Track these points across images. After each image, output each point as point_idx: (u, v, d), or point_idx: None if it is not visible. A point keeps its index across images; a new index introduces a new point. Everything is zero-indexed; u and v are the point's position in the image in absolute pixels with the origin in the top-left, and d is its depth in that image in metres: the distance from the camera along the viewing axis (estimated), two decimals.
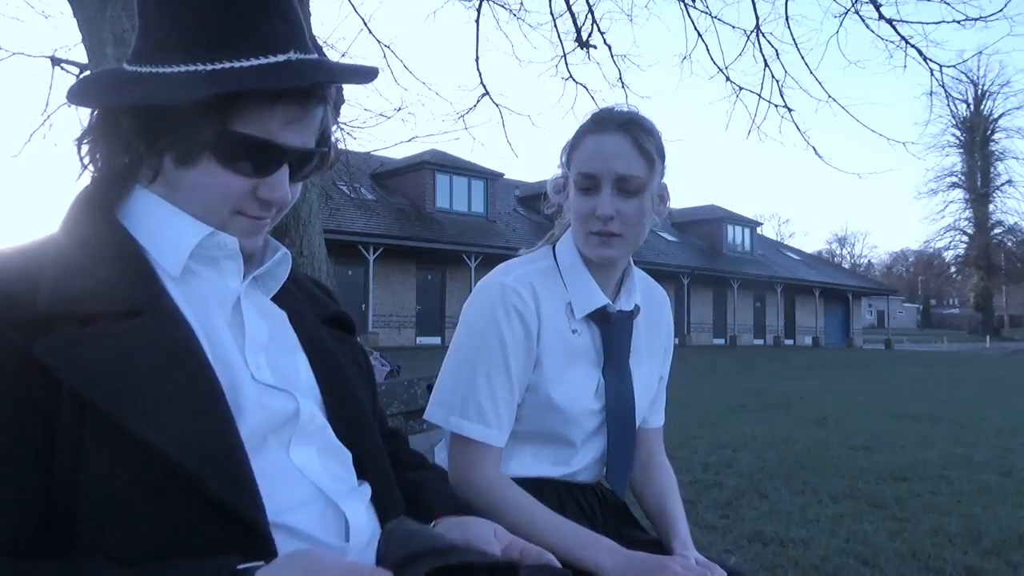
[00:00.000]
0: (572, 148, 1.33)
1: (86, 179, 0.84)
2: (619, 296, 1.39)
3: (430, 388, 1.95)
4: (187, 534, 0.68)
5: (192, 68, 0.76)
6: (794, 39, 7.29)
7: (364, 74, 0.85)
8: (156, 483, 0.67)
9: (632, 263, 1.43)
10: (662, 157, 1.31)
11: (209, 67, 0.76)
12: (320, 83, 0.81)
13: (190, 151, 0.78)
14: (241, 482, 0.71)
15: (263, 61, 0.77)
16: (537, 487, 1.29)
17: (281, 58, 0.78)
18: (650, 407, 1.47)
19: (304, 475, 0.81)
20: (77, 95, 0.82)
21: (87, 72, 5.32)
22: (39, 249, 0.76)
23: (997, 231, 55.76)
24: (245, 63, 0.76)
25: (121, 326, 0.72)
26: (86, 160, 0.82)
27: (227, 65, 0.76)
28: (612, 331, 1.36)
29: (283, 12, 0.80)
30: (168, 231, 0.81)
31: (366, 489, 0.88)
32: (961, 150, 54.78)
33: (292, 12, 0.82)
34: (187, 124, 0.76)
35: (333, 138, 0.91)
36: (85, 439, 0.67)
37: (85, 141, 0.82)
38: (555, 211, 1.43)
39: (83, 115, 0.83)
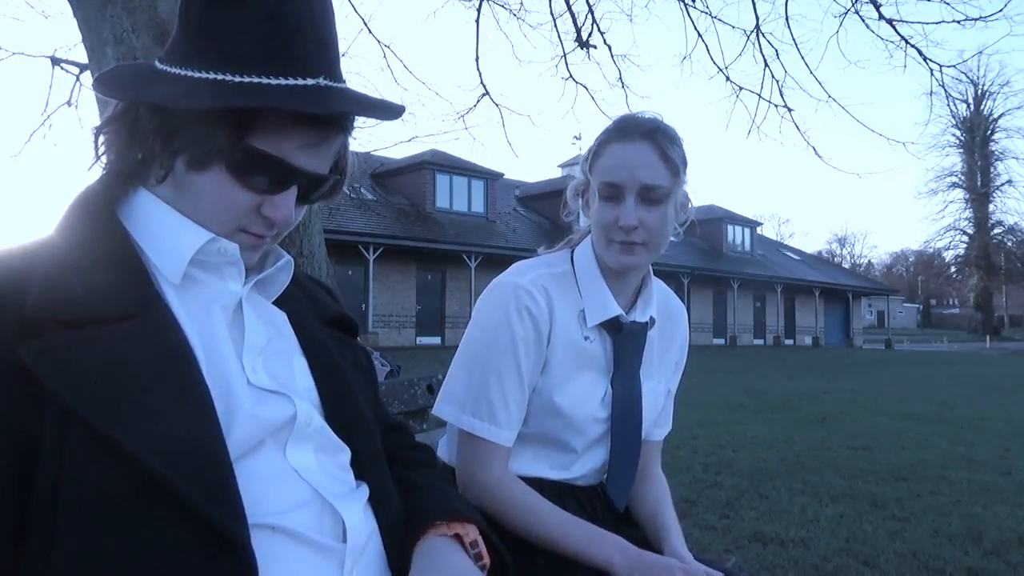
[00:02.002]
0: (594, 155, 1.31)
1: (97, 170, 0.83)
2: (635, 307, 1.37)
3: (430, 388, 1.95)
4: (166, 544, 0.67)
5: (220, 77, 0.76)
6: (794, 39, 7.29)
7: (389, 110, 0.84)
8: (137, 492, 0.66)
9: (651, 273, 1.41)
10: (685, 165, 1.30)
11: (237, 79, 0.76)
12: (342, 113, 0.81)
13: (203, 156, 0.77)
14: (221, 492, 0.70)
15: (291, 82, 0.77)
16: (537, 486, 1.29)
17: (310, 82, 0.78)
18: (655, 420, 1.46)
19: (300, 477, 0.80)
20: (103, 85, 0.81)
21: (86, 72, 5.30)
22: (35, 250, 0.76)
23: (997, 231, 55.76)
24: (273, 81, 0.76)
25: (110, 331, 0.71)
26: (101, 151, 0.82)
27: (255, 80, 0.76)
28: (624, 341, 1.35)
29: (321, 38, 0.80)
30: (169, 236, 0.81)
31: (364, 490, 0.88)
32: (961, 150, 54.77)
33: (330, 39, 0.82)
34: (205, 129, 0.76)
35: (349, 168, 0.90)
36: (68, 445, 0.66)
37: (104, 131, 0.82)
38: (574, 219, 1.42)
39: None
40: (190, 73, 0.78)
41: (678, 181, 1.28)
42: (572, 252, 1.40)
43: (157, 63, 0.82)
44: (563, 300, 1.32)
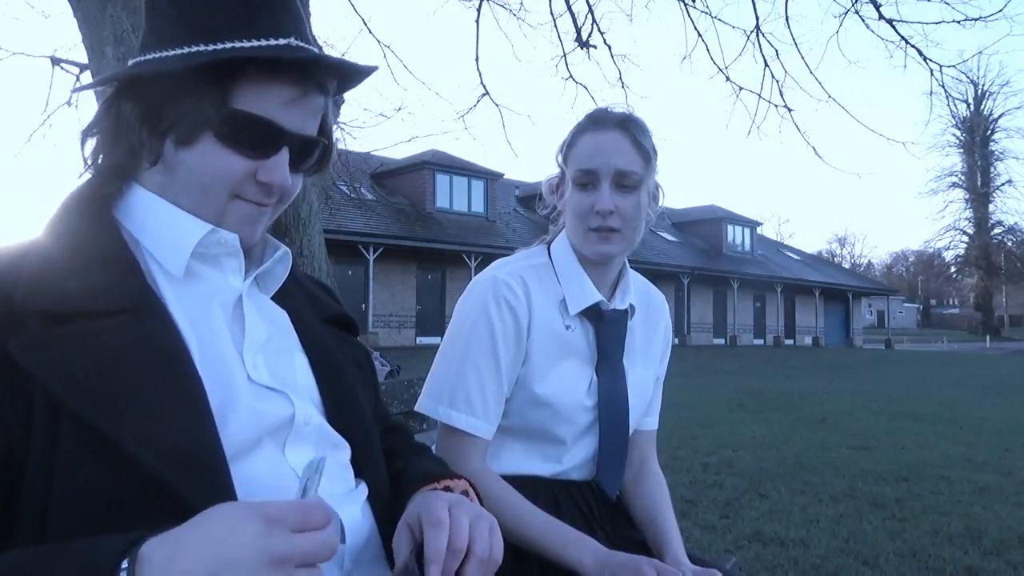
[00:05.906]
0: (569, 146, 1.35)
1: (87, 176, 0.84)
2: (614, 296, 1.40)
3: None
4: None
5: (194, 49, 0.78)
6: (794, 39, 7.30)
7: (359, 69, 0.87)
8: (129, 488, 0.66)
9: (627, 265, 1.44)
10: (656, 154, 1.34)
11: (211, 47, 0.78)
12: (316, 60, 0.82)
13: (191, 131, 0.79)
14: (215, 489, 0.69)
15: (263, 43, 0.79)
16: (531, 485, 1.29)
17: (282, 41, 0.80)
18: (645, 409, 1.47)
19: (299, 478, 0.80)
20: (85, 85, 0.83)
21: (86, 72, 5.31)
22: (27, 247, 0.76)
23: (997, 231, 55.77)
24: (246, 43, 0.79)
25: (101, 326, 0.71)
26: (89, 155, 0.83)
27: (228, 45, 0.78)
28: (606, 329, 1.37)
29: (290, 9, 0.83)
30: (169, 230, 0.81)
31: (362, 489, 0.88)
32: (961, 150, 54.77)
33: (294, 6, 0.85)
34: (188, 103, 0.78)
35: (335, 137, 0.92)
36: (59, 441, 0.65)
37: (90, 134, 0.83)
38: (549, 211, 1.45)
39: (84, 116, 0.84)
40: (164, 53, 0.80)
41: (650, 169, 1.32)
42: (548, 247, 1.42)
43: (131, 61, 0.84)
44: (542, 290, 1.34)
